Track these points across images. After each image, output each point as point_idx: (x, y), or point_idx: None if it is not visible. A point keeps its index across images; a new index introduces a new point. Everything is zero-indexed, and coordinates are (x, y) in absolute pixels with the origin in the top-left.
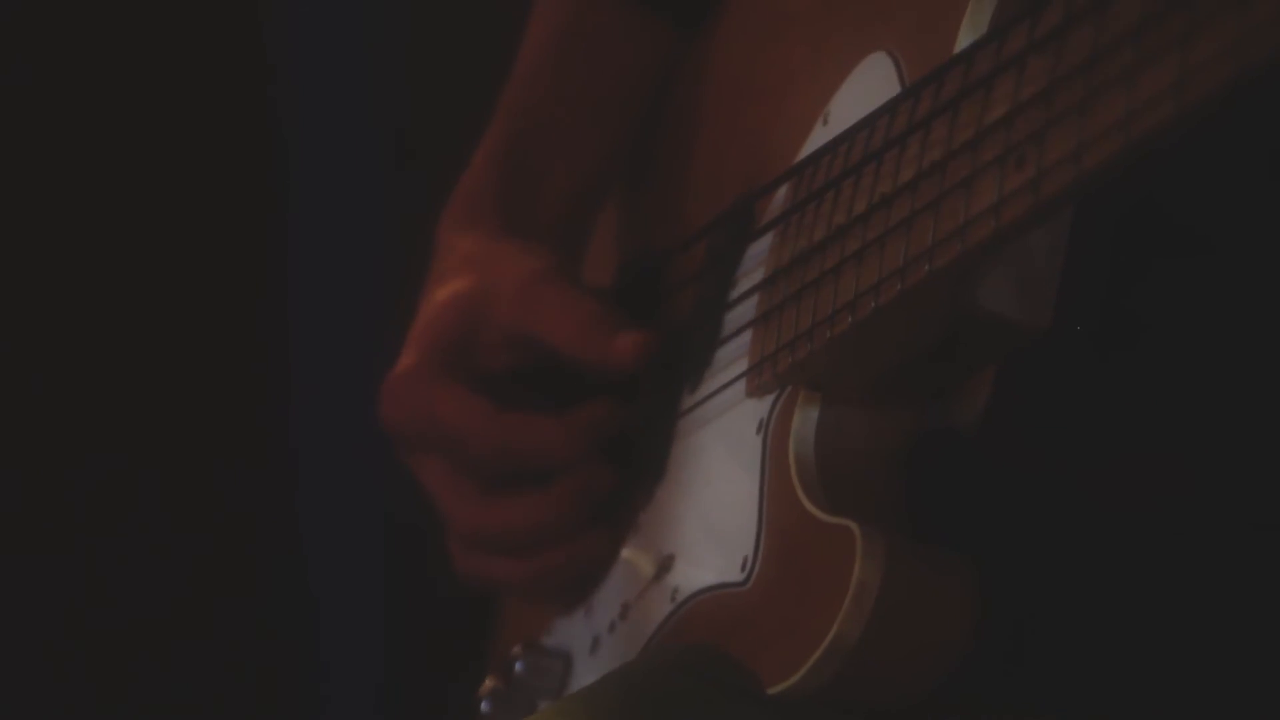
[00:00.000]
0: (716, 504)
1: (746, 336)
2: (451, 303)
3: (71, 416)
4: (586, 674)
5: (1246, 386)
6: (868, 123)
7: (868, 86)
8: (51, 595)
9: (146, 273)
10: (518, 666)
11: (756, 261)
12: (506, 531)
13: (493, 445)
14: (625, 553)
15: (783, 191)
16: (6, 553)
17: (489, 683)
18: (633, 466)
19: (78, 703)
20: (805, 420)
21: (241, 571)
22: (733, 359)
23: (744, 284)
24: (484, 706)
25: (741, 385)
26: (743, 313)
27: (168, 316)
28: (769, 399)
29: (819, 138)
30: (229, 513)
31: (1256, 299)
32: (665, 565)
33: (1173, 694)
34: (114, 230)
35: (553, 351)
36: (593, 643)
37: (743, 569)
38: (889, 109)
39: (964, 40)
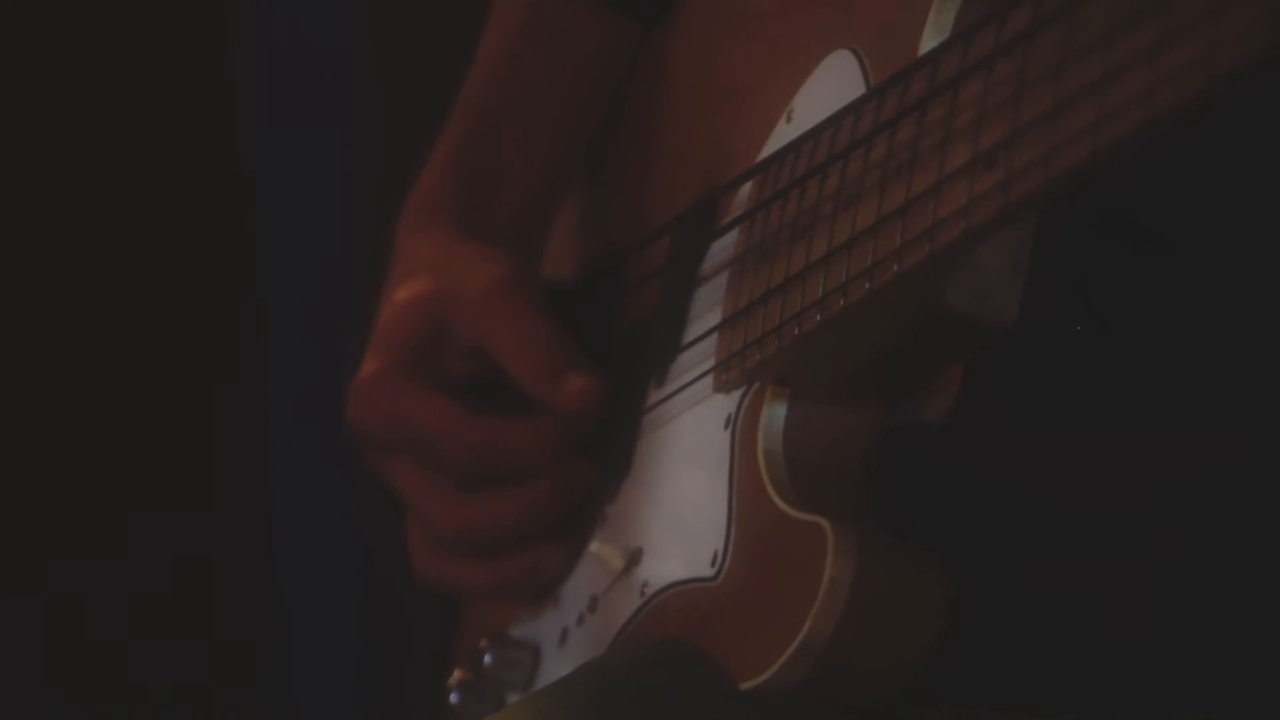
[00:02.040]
0: (685, 499)
1: (713, 333)
2: (413, 303)
3: (42, 418)
4: (555, 666)
5: (1211, 383)
6: (833, 121)
7: (832, 83)
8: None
9: (119, 282)
10: (486, 658)
11: (721, 257)
12: (484, 527)
13: (467, 447)
14: (593, 546)
15: (747, 188)
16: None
17: (458, 674)
18: (599, 461)
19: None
20: (773, 416)
21: (212, 568)
22: (699, 355)
23: (709, 280)
24: (453, 698)
25: (708, 380)
26: (708, 309)
27: (139, 319)
28: (736, 394)
29: (783, 134)
30: (197, 516)
31: (1221, 297)
32: (634, 559)
33: (1141, 685)
34: (81, 246)
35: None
36: (561, 635)
37: (713, 564)
38: (854, 108)
39: (928, 38)
